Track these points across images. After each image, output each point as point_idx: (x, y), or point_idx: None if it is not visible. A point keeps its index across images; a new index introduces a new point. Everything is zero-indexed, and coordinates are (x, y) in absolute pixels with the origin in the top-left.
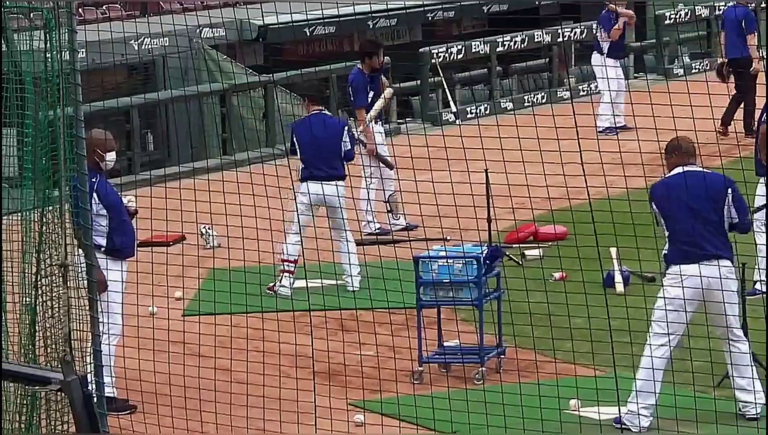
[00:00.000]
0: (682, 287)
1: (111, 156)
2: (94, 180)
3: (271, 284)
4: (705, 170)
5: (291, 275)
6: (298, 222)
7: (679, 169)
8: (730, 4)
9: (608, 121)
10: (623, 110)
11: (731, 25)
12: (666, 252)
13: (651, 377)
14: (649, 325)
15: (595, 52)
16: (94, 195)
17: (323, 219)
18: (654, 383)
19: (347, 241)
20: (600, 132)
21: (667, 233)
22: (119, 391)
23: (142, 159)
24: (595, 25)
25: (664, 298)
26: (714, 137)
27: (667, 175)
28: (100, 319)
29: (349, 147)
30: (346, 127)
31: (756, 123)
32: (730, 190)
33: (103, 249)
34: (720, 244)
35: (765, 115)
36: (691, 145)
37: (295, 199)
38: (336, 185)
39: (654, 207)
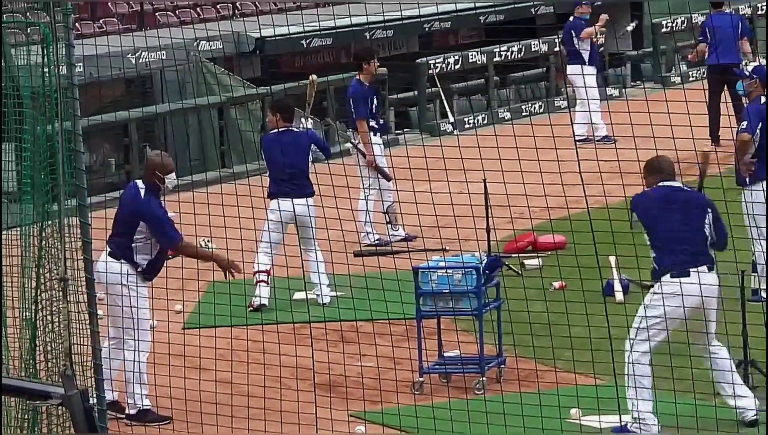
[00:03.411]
0: (683, 299)
1: (172, 177)
2: (163, 208)
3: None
4: (685, 187)
5: (266, 285)
6: (269, 239)
7: (663, 184)
8: (714, 12)
9: (604, 129)
10: (602, 120)
11: (728, 32)
12: (658, 264)
13: (644, 384)
14: (644, 329)
15: (572, 63)
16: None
17: (322, 231)
18: (653, 389)
19: (316, 254)
20: (598, 141)
21: (651, 244)
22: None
23: (140, 172)
24: (570, 35)
25: (663, 306)
26: (711, 145)
27: (650, 189)
28: (129, 337)
29: (321, 150)
30: (313, 141)
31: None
32: (710, 209)
33: (140, 268)
34: (709, 255)
35: (746, 123)
36: (671, 164)
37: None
38: (306, 202)
39: (635, 217)
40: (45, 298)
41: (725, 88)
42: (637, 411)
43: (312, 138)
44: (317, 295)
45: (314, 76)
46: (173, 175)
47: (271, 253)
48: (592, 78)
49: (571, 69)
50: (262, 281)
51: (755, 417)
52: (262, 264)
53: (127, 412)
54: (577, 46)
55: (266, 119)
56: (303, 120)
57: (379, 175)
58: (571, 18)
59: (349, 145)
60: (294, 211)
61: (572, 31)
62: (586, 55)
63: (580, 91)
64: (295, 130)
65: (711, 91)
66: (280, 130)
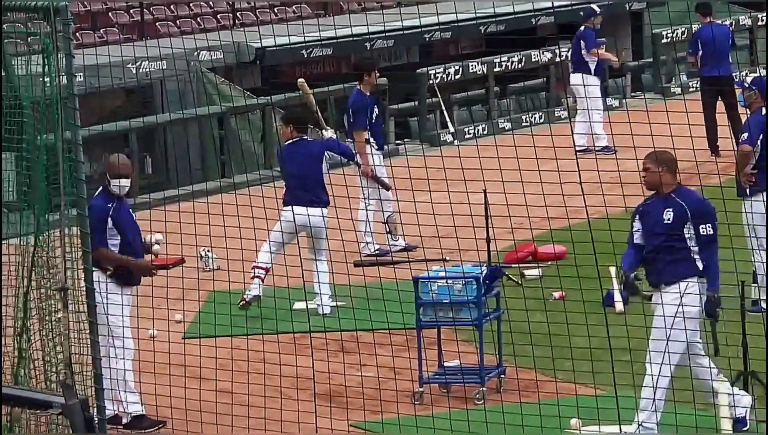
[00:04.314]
0: (700, 300)
1: (117, 182)
2: (110, 205)
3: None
4: None
5: (261, 281)
6: (277, 241)
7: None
8: (703, 24)
9: (605, 139)
10: (589, 130)
11: (721, 44)
12: (697, 264)
13: (662, 395)
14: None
15: (577, 72)
16: (109, 220)
17: (334, 242)
18: (664, 401)
19: (323, 264)
20: (598, 151)
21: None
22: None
23: (141, 182)
24: (579, 45)
25: (693, 308)
26: (710, 155)
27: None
28: (108, 344)
29: (341, 155)
30: (326, 148)
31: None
32: None
33: (109, 272)
34: None
35: (748, 134)
36: None
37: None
38: (321, 212)
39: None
40: (45, 307)
41: (719, 98)
42: (647, 422)
43: (326, 145)
44: (318, 304)
45: (301, 79)
46: (123, 180)
47: (272, 253)
48: (596, 88)
49: (574, 78)
50: (259, 277)
51: (749, 405)
52: (262, 262)
53: (123, 421)
54: (584, 55)
55: (280, 131)
56: (324, 132)
57: (379, 185)
58: (582, 27)
59: None
60: (309, 221)
61: (581, 41)
62: (592, 66)
63: (581, 101)
64: (308, 139)
65: (705, 102)
66: (294, 140)
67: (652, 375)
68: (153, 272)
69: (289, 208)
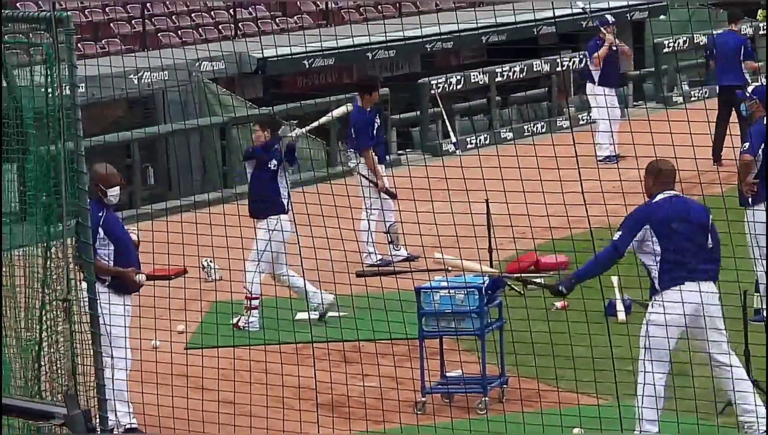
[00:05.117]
0: (683, 307)
1: (113, 191)
2: (101, 214)
3: (236, 321)
4: (686, 196)
5: (257, 310)
6: (267, 260)
7: (669, 193)
8: (722, 30)
9: (608, 149)
10: (616, 139)
11: (730, 53)
12: (660, 276)
13: (656, 404)
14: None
15: (588, 81)
16: (100, 229)
17: (336, 252)
18: (656, 409)
19: (292, 274)
20: (600, 161)
21: (659, 258)
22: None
23: (143, 193)
24: (585, 54)
25: (674, 316)
26: (712, 165)
27: (657, 199)
28: (105, 354)
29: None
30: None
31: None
32: (711, 218)
33: (106, 283)
34: (712, 268)
35: (749, 144)
36: (673, 170)
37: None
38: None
39: (647, 227)
40: (49, 317)
41: (731, 107)
42: (645, 430)
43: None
44: (318, 304)
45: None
46: (116, 189)
47: (261, 281)
48: (602, 97)
49: (586, 88)
50: (256, 308)
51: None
52: (256, 293)
53: (115, 432)
54: (589, 65)
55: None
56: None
57: (382, 195)
58: (592, 39)
59: (352, 165)
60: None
61: (586, 52)
62: (596, 76)
63: (594, 111)
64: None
65: (719, 111)
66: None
67: (637, 384)
68: (140, 282)
69: (276, 217)
